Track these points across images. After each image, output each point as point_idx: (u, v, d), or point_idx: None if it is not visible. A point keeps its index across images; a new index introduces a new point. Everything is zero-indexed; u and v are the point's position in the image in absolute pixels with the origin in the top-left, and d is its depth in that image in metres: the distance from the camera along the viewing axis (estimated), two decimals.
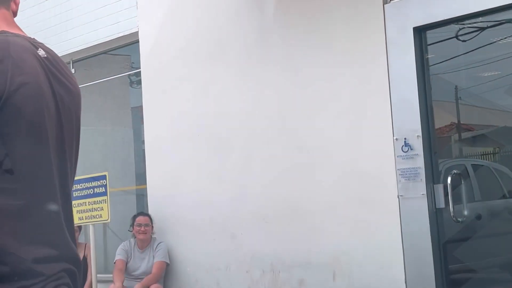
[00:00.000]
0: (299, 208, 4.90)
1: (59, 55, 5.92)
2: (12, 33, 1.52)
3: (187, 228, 5.63)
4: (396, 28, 4.49)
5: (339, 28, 4.78)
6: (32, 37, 1.60)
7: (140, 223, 5.62)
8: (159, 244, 5.63)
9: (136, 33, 6.21)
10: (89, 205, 5.51)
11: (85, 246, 5.99)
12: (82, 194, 5.57)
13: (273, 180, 5.09)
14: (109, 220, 5.48)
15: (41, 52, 1.52)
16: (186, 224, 5.65)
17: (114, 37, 6.46)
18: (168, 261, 5.60)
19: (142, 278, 5.45)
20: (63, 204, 1.53)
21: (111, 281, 5.57)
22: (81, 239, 6.13)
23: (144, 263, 5.60)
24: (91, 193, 5.49)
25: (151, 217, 5.73)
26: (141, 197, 6.66)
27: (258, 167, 5.19)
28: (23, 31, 1.61)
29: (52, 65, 1.53)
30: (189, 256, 5.60)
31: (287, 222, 4.97)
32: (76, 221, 5.67)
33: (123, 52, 7.02)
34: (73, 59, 7.06)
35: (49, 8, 7.10)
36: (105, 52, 6.98)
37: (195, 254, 5.57)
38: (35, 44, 1.54)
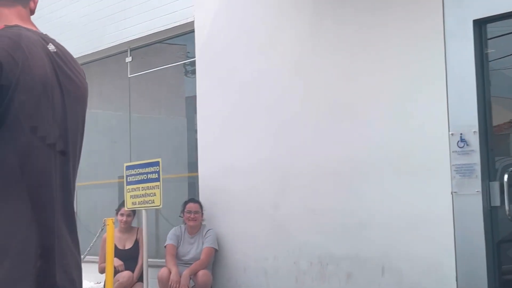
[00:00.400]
0: (349, 202, 4.87)
1: (117, 43, 6.08)
2: (24, 27, 1.57)
3: (237, 217, 5.69)
4: (455, 20, 4.38)
5: (395, 19, 4.70)
6: (44, 33, 1.66)
7: (190, 210, 5.71)
8: (208, 230, 5.71)
9: (192, 23, 6.28)
10: (142, 190, 5.63)
11: (137, 230, 6.12)
12: (136, 179, 5.69)
13: (323, 173, 5.07)
14: (161, 206, 5.59)
15: (51, 47, 1.58)
16: (235, 213, 5.70)
17: (170, 27, 6.55)
18: (217, 248, 5.67)
19: (191, 264, 5.54)
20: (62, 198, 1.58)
21: (161, 266, 5.68)
22: (134, 223, 6.27)
23: (193, 248, 5.69)
24: (145, 178, 5.60)
25: (201, 204, 5.81)
26: (192, 184, 6.75)
27: (305, 159, 5.18)
28: (36, 28, 1.66)
29: (61, 60, 1.59)
30: (238, 244, 5.66)
31: (337, 215, 4.95)
32: (130, 206, 5.81)
33: (178, 42, 7.11)
34: (130, 47, 7.20)
35: None
36: (161, 41, 7.09)
37: (243, 243, 5.62)
38: (46, 39, 1.60)
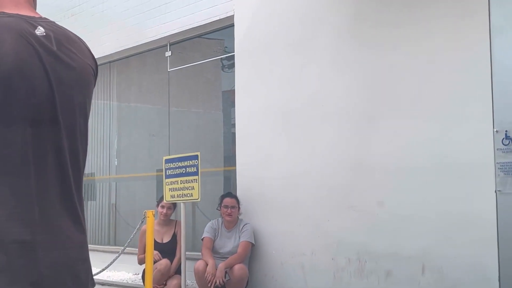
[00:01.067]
0: (389, 198, 4.81)
1: (157, 38, 6.07)
2: (7, 13, 1.57)
3: (274, 211, 5.68)
4: (502, 15, 4.27)
5: (439, 13, 4.61)
6: (44, 17, 1.64)
7: (227, 204, 5.72)
8: (245, 225, 5.71)
9: (232, 17, 6.29)
10: (181, 183, 5.66)
11: (175, 223, 6.17)
12: (175, 173, 5.72)
13: (362, 169, 5.02)
14: (199, 199, 5.61)
15: (39, 31, 1.56)
16: (273, 207, 5.69)
17: (210, 21, 6.57)
18: (253, 242, 5.67)
19: (227, 257, 5.56)
20: (59, 183, 1.56)
21: (198, 259, 5.71)
22: (171, 216, 6.32)
23: (230, 242, 5.70)
24: (183, 172, 5.63)
25: (238, 198, 5.82)
26: (228, 178, 6.77)
27: (346, 154, 5.13)
28: (35, 13, 1.65)
29: (50, 43, 1.57)
30: (275, 239, 5.65)
31: (376, 211, 4.89)
32: (168, 199, 5.86)
33: (216, 36, 7.12)
34: (170, 41, 7.25)
35: None
36: (200, 36, 7.12)
37: (281, 238, 5.61)
38: (34, 24, 1.58)
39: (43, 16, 1.67)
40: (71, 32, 1.70)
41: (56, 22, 1.72)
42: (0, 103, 1.49)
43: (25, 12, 1.63)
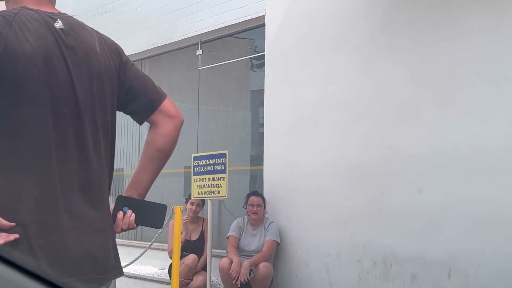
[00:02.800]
0: (417, 201, 4.76)
1: (188, 36, 6.15)
2: (29, 8, 1.67)
3: (300, 211, 5.68)
4: None
5: (473, 9, 4.55)
6: (60, 12, 1.75)
7: (253, 203, 5.74)
8: (271, 223, 5.73)
9: (263, 17, 6.31)
10: (208, 181, 5.71)
11: (203, 221, 6.22)
12: (203, 170, 5.78)
13: (391, 171, 4.98)
14: (226, 197, 5.65)
15: (57, 24, 1.67)
16: (299, 207, 5.69)
17: (241, 20, 6.60)
18: (278, 241, 5.68)
19: (252, 255, 5.58)
20: (78, 161, 1.62)
21: (223, 256, 5.74)
22: (199, 214, 6.37)
23: (255, 240, 5.73)
24: (211, 169, 5.68)
25: (264, 197, 5.84)
26: (255, 177, 6.80)
27: (376, 156, 5.10)
28: (53, 8, 1.75)
29: (66, 35, 1.67)
30: (300, 239, 5.65)
31: (403, 214, 4.86)
32: (196, 195, 5.91)
33: (247, 36, 7.15)
34: (201, 40, 7.31)
35: None
36: (230, 35, 7.16)
37: (306, 238, 5.61)
38: (54, 17, 1.68)
39: (62, 12, 1.77)
40: (89, 27, 1.78)
41: (89, 18, 1.79)
42: (23, 84, 1.57)
43: (45, 8, 1.72)
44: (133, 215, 1.75)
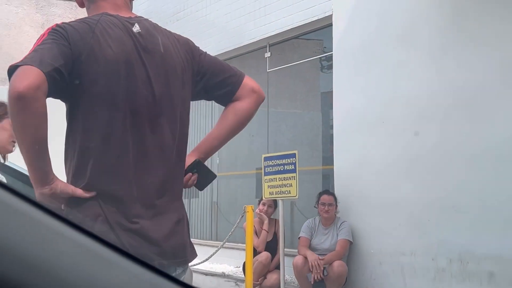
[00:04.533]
0: (492, 198, 4.65)
1: (256, 39, 6.32)
2: (109, 14, 1.79)
3: (372, 210, 5.65)
4: None
5: None
6: (139, 16, 1.87)
7: (324, 202, 5.77)
8: (343, 223, 5.74)
9: (330, 17, 6.33)
10: (279, 181, 5.79)
11: (275, 222, 6.30)
12: (273, 170, 5.86)
13: (465, 168, 4.89)
14: (297, 197, 5.70)
15: (135, 28, 1.79)
16: (371, 206, 5.67)
17: (309, 21, 6.65)
18: (351, 240, 5.68)
19: (325, 254, 5.61)
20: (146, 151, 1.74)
21: (296, 255, 5.80)
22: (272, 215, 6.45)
23: (327, 240, 5.75)
24: (281, 169, 5.76)
25: (336, 196, 5.85)
26: (327, 177, 6.81)
27: (449, 152, 5.02)
28: (131, 13, 1.88)
29: (144, 38, 1.79)
30: (373, 238, 5.62)
31: (479, 212, 4.75)
32: (267, 196, 6.00)
33: (315, 37, 7.19)
34: (269, 43, 7.41)
35: None
36: (298, 37, 7.22)
37: (379, 237, 5.58)
38: (131, 22, 1.80)
39: (138, 15, 1.90)
40: (163, 28, 1.91)
41: (162, 26, 1.92)
42: (103, 86, 1.69)
43: (123, 13, 1.85)
44: (195, 179, 1.90)
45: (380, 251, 5.55)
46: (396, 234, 5.39)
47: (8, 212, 0.59)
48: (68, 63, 1.64)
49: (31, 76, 1.53)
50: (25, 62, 1.56)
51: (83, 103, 1.70)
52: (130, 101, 1.73)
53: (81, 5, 1.92)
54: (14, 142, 2.72)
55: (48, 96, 1.60)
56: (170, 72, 1.82)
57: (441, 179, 5.05)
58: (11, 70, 1.56)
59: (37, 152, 1.60)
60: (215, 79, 1.92)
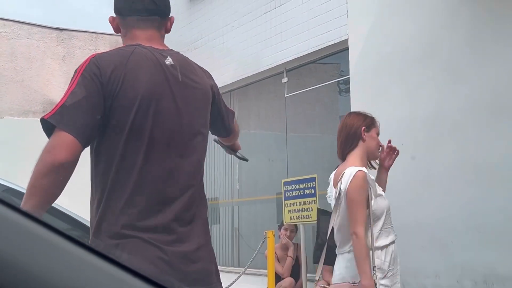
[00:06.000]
0: None
1: (273, 65, 6.43)
2: (143, 45, 1.87)
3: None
4: None
5: None
6: (170, 49, 1.97)
7: None
8: None
9: (346, 41, 6.37)
10: (299, 205, 5.79)
11: (297, 246, 6.28)
12: (293, 195, 5.87)
13: (487, 187, 4.84)
14: None
15: (168, 61, 1.88)
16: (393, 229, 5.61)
17: (325, 46, 6.70)
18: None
19: None
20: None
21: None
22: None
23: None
24: (301, 194, 5.76)
25: None
26: None
27: (470, 172, 4.98)
28: (163, 46, 1.97)
29: (176, 71, 1.87)
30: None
31: (504, 232, 4.68)
32: (288, 220, 6.00)
33: (332, 61, 7.23)
34: (286, 68, 7.47)
35: (266, 21, 7.62)
36: (315, 61, 7.27)
37: (402, 259, 5.48)
38: (164, 55, 1.89)
39: (170, 48, 1.97)
40: (192, 61, 2.00)
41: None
42: (133, 121, 1.76)
43: (156, 45, 1.91)
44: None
45: (403, 273, 5.47)
46: (419, 256, 5.34)
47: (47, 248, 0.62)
48: (101, 111, 1.72)
49: (71, 148, 1.62)
50: (62, 124, 1.64)
51: (111, 138, 1.75)
52: (158, 133, 1.79)
53: (117, 30, 2.00)
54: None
55: None
56: (198, 103, 1.92)
57: (462, 199, 5.00)
58: (45, 124, 1.66)
59: (44, 209, 1.66)
60: (222, 113, 2.10)
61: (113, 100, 1.72)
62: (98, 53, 1.80)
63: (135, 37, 1.91)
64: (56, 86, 11.03)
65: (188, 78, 1.90)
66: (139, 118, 1.76)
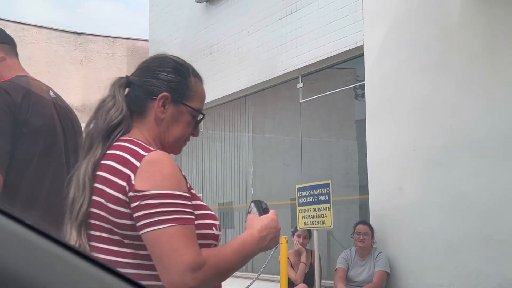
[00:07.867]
0: None
1: (288, 71, 6.51)
2: (30, 76, 2.06)
3: (409, 240, 5.58)
4: None
5: None
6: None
7: (360, 231, 5.73)
8: (379, 253, 5.67)
9: (361, 47, 6.36)
10: (313, 211, 5.78)
11: (311, 253, 6.27)
12: (307, 201, 5.86)
13: (501, 196, 4.80)
14: (331, 227, 5.68)
15: (51, 93, 2.11)
16: (407, 236, 5.60)
17: (340, 51, 6.70)
18: (389, 271, 5.60)
19: (362, 286, 5.54)
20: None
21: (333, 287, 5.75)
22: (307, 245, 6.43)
23: (364, 271, 5.69)
24: (315, 200, 5.75)
25: (372, 226, 5.80)
26: (364, 206, 6.75)
27: (484, 182, 4.94)
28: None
29: (58, 101, 2.12)
30: (411, 268, 5.54)
31: None
32: (301, 226, 5.99)
33: (348, 66, 7.22)
34: (301, 74, 7.48)
35: (281, 27, 7.64)
36: (330, 67, 7.27)
37: (416, 267, 5.49)
38: (46, 87, 2.12)
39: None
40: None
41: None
42: (41, 147, 1.99)
43: (22, 73, 2.12)
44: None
45: (417, 282, 5.46)
46: (434, 265, 5.30)
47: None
48: (14, 136, 1.92)
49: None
50: None
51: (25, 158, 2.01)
52: (52, 148, 2.08)
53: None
54: None
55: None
56: (75, 129, 2.18)
57: (476, 208, 4.97)
58: None
59: None
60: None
61: (23, 128, 1.94)
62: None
63: (12, 67, 2.07)
64: (73, 90, 11.15)
65: (64, 108, 2.18)
66: (45, 142, 2.06)
